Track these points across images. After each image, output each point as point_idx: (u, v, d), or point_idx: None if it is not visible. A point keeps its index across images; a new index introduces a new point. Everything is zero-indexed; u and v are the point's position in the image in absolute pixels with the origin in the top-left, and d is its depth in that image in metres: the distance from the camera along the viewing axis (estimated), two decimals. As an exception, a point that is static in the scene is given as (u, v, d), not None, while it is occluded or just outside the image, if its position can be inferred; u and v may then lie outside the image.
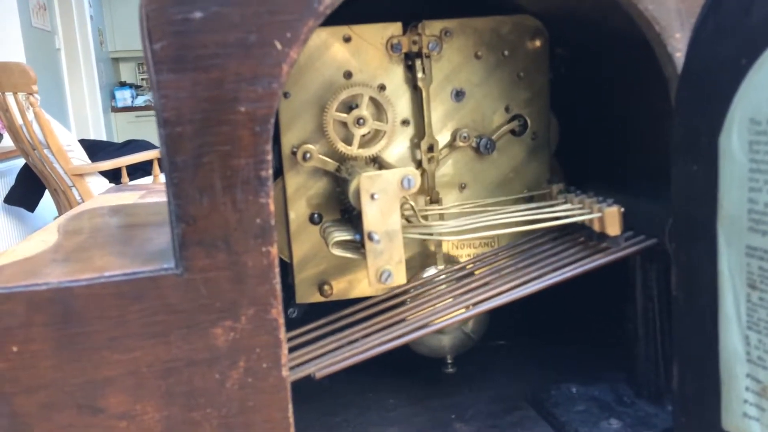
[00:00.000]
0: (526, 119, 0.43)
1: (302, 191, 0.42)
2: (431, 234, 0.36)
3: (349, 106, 0.40)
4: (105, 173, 3.09)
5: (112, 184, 3.15)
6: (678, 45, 0.31)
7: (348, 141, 0.40)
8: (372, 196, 0.33)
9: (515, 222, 0.36)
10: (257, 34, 0.28)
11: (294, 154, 0.41)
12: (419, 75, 0.41)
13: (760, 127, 0.26)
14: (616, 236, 0.35)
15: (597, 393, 0.41)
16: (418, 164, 0.43)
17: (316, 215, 0.42)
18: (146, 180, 3.22)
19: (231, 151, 0.29)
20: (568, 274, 0.34)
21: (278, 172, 0.42)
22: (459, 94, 0.42)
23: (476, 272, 0.39)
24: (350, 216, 0.39)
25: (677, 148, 0.30)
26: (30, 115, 2.60)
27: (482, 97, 0.43)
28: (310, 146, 0.40)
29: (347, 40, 0.41)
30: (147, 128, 5.11)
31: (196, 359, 0.29)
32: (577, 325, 0.48)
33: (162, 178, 2.70)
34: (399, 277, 0.34)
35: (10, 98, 2.63)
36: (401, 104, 0.42)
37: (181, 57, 0.28)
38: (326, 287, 0.43)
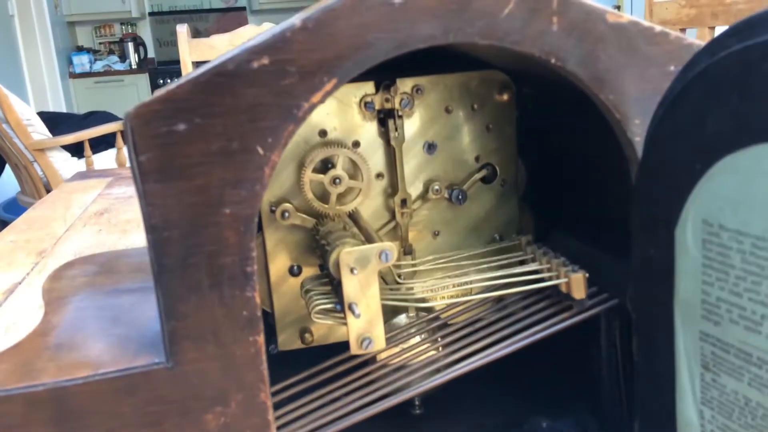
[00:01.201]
0: (495, 168, 0.45)
1: (281, 245, 0.43)
2: (407, 300, 0.38)
3: (326, 165, 0.42)
4: (67, 147, 3.04)
5: (74, 158, 3.10)
6: (637, 130, 0.33)
7: (325, 198, 0.42)
8: (351, 270, 0.35)
9: (488, 286, 0.38)
10: (239, 141, 0.29)
11: (273, 212, 0.42)
12: (392, 134, 0.42)
13: (712, 229, 0.28)
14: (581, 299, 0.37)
15: (565, 428, 0.44)
16: (392, 216, 0.44)
17: (295, 267, 0.43)
18: (110, 152, 3.17)
19: (217, 251, 0.30)
20: (537, 336, 0.36)
21: (258, 227, 0.43)
22: (431, 147, 0.44)
23: (450, 322, 0.41)
24: (329, 273, 0.41)
25: (636, 232, 0.32)
26: (-14, 92, 2.53)
27: (453, 148, 0.44)
28: (288, 205, 0.42)
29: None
30: (107, 95, 5.00)
31: (190, 445, 0.31)
32: (547, 356, 0.51)
33: (126, 150, 2.67)
34: (379, 344, 0.36)
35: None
36: (375, 158, 0.43)
37: (166, 167, 0.29)
38: (307, 335, 0.44)
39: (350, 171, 0.42)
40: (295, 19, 0.29)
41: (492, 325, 0.38)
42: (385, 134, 0.43)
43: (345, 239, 0.37)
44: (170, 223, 0.29)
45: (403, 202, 0.44)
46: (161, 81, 5.15)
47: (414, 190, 0.44)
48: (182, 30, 1.93)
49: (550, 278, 0.38)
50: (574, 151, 0.43)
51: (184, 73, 1.90)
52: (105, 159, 3.13)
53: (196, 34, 5.52)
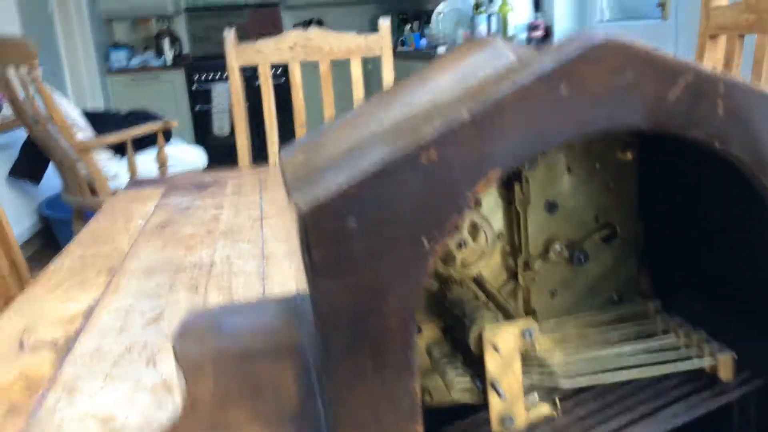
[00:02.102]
0: (615, 227, 0.44)
1: (402, 305, 0.43)
2: (546, 377, 0.38)
3: (449, 227, 0.41)
4: (110, 145, 3.08)
5: (117, 156, 3.14)
6: (798, 214, 0.32)
7: (448, 261, 0.41)
8: (495, 348, 0.35)
9: (632, 365, 0.37)
10: (405, 234, 0.29)
11: (396, 274, 0.42)
12: (518, 197, 0.42)
13: None
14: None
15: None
16: (511, 275, 0.44)
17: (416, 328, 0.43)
18: (151, 152, 3.21)
19: (381, 341, 0.30)
20: (681, 420, 0.36)
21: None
22: (552, 207, 0.43)
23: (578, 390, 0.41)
24: (455, 338, 0.41)
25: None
26: (32, 90, 2.57)
27: (573, 207, 0.44)
28: (412, 268, 0.41)
29: (447, 163, 0.41)
30: (144, 91, 5.05)
31: None
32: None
33: (167, 149, 2.69)
34: (520, 422, 0.36)
35: (11, 73, 2.59)
36: (496, 218, 0.43)
37: (337, 261, 0.29)
38: (426, 396, 0.44)
39: (472, 232, 0.42)
40: (463, 112, 0.29)
41: (625, 400, 0.38)
42: (507, 195, 0.43)
43: (481, 312, 0.37)
44: (339, 314, 0.29)
45: (526, 264, 0.43)
46: (197, 77, 5.19)
47: (533, 249, 0.44)
48: (229, 35, 1.93)
49: (690, 356, 0.37)
50: (707, 212, 0.42)
51: (232, 78, 1.91)
52: (146, 158, 3.17)
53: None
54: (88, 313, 0.88)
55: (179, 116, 4.79)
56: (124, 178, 3.09)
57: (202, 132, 5.29)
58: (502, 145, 0.29)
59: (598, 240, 0.44)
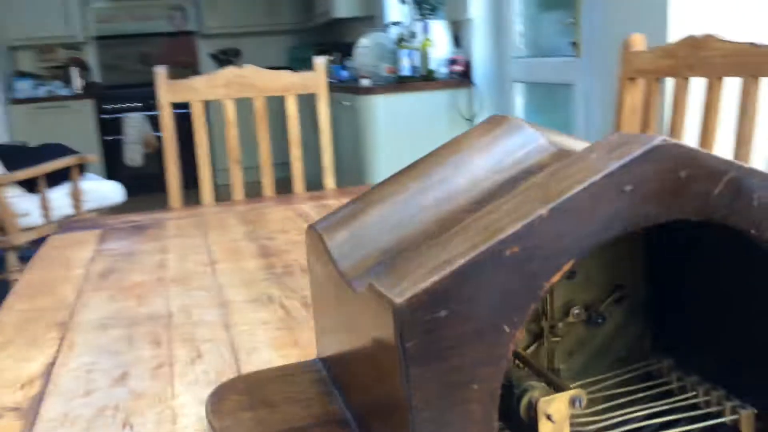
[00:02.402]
0: (627, 289, 0.48)
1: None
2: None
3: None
4: (21, 181, 2.94)
5: (29, 193, 2.99)
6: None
7: (481, 329, 0.43)
8: (548, 417, 0.37)
9: (654, 425, 0.40)
10: (489, 322, 0.31)
11: (431, 343, 0.43)
12: (545, 267, 0.45)
13: None
14: (746, 433, 0.40)
15: None
16: (533, 338, 0.46)
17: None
18: (65, 187, 3.08)
19: (464, 426, 0.32)
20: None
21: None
22: (571, 274, 0.46)
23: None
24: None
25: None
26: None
27: (589, 273, 0.47)
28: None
29: (479, 236, 0.43)
30: (51, 120, 4.84)
31: None
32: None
33: (82, 183, 2.58)
34: (568, 486, 0.38)
35: None
36: (520, 286, 0.46)
37: (427, 351, 0.30)
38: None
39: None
40: (542, 209, 0.31)
41: (656, 455, 0.41)
42: (530, 263, 0.45)
43: (529, 381, 0.39)
44: (429, 402, 0.31)
45: (552, 328, 0.46)
46: (107, 106, 5.03)
47: (555, 312, 0.47)
48: (161, 71, 1.90)
49: (710, 414, 0.40)
50: (720, 272, 0.45)
51: (162, 114, 1.87)
52: (59, 193, 3.04)
53: (145, 58, 5.43)
54: (47, 374, 0.84)
55: (89, 146, 4.62)
56: (35, 215, 2.95)
57: (113, 162, 5.12)
58: (576, 237, 0.32)
59: (611, 302, 0.48)
